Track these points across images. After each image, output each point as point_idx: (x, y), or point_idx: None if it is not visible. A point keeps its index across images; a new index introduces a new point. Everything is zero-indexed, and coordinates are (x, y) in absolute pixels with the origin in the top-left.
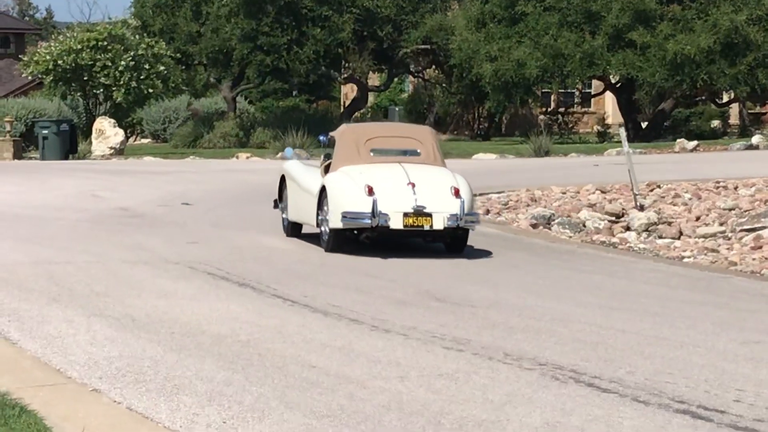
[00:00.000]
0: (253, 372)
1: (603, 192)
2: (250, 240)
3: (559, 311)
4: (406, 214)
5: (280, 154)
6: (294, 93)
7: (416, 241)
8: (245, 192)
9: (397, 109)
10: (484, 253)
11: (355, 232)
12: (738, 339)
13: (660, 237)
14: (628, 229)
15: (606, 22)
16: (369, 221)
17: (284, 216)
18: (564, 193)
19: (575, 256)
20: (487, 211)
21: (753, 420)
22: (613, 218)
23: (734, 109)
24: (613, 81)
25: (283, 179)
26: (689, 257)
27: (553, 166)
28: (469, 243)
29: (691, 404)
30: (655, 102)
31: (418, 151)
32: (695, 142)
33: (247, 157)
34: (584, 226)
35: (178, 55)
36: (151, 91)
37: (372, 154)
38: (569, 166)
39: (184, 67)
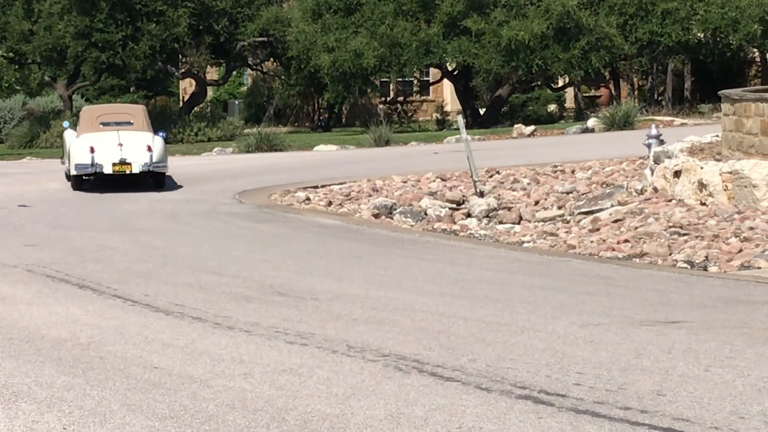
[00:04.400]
0: (94, 375)
1: (443, 180)
2: (90, 240)
3: (401, 301)
4: (114, 164)
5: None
6: (132, 89)
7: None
8: (84, 191)
9: (236, 102)
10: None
11: (91, 177)
12: (577, 322)
13: (500, 222)
14: (468, 215)
15: (441, 10)
16: (90, 169)
17: (64, 168)
18: (405, 182)
19: (417, 245)
20: (330, 203)
21: (593, 403)
22: (454, 205)
23: (569, 93)
24: (450, 68)
25: (63, 142)
26: (529, 242)
27: (393, 156)
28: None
29: (533, 389)
30: (492, 88)
31: (132, 122)
32: (532, 127)
33: None
34: (426, 214)
35: (10, 54)
36: None
37: (101, 125)
38: (409, 154)
39: (17, 67)
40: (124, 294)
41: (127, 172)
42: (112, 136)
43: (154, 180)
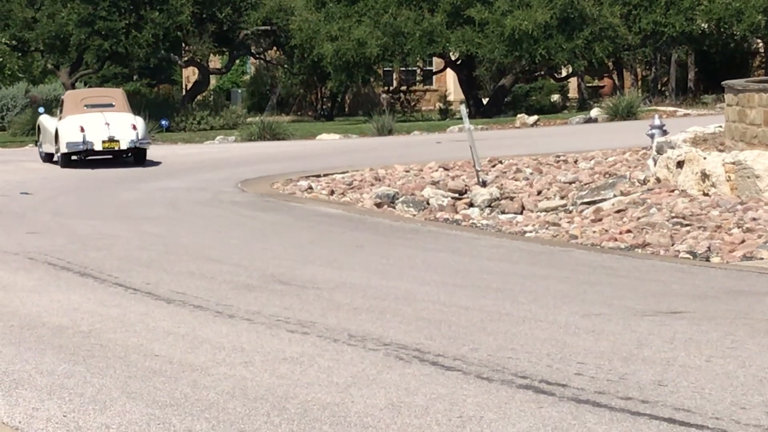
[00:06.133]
0: (95, 363)
1: (446, 169)
2: (92, 228)
3: (403, 290)
4: (103, 141)
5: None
6: (135, 77)
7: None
8: (85, 179)
9: (239, 91)
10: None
11: (82, 157)
12: (579, 312)
13: (502, 212)
14: (471, 205)
15: (444, 0)
16: (82, 147)
17: (40, 150)
18: (407, 171)
19: (419, 234)
20: (332, 192)
21: (594, 392)
22: (457, 195)
23: (573, 83)
24: (453, 58)
25: (38, 126)
26: (531, 232)
27: (396, 145)
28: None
29: (534, 379)
30: (496, 78)
31: (113, 104)
32: (535, 117)
33: None
34: (428, 203)
35: (13, 41)
36: None
37: (85, 107)
38: (412, 144)
39: (20, 54)
40: (126, 282)
41: (116, 148)
42: (98, 117)
43: (136, 157)
